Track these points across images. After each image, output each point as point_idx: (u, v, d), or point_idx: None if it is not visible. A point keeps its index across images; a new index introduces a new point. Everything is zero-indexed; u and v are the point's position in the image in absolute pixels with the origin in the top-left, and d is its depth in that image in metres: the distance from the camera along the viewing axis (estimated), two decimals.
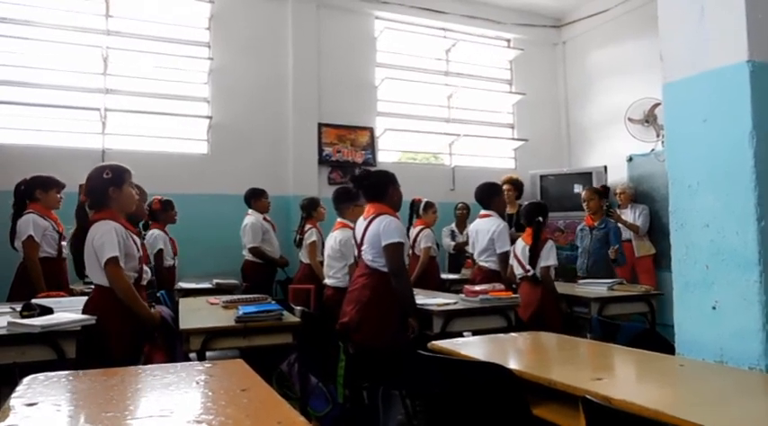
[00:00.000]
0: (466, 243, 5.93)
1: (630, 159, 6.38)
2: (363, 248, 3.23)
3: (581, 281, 4.56)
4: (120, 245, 2.57)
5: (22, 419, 1.25)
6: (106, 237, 2.54)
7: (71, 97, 5.43)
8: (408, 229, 5.14)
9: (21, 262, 3.75)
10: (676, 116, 2.32)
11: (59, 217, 3.95)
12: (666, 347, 2.33)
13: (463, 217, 6.18)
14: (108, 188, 2.66)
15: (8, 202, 3.86)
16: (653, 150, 6.12)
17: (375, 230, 3.14)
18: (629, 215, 5.88)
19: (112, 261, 2.52)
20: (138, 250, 2.73)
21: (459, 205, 6.22)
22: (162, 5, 5.86)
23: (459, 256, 6.02)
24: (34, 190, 3.84)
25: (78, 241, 2.63)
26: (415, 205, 5.33)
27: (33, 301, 2.81)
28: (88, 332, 2.49)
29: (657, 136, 6.06)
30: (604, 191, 5.02)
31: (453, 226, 6.20)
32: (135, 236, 2.77)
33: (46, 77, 5.39)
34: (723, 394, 1.61)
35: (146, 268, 2.81)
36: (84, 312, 2.60)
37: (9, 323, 2.39)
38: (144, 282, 2.79)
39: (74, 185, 4.95)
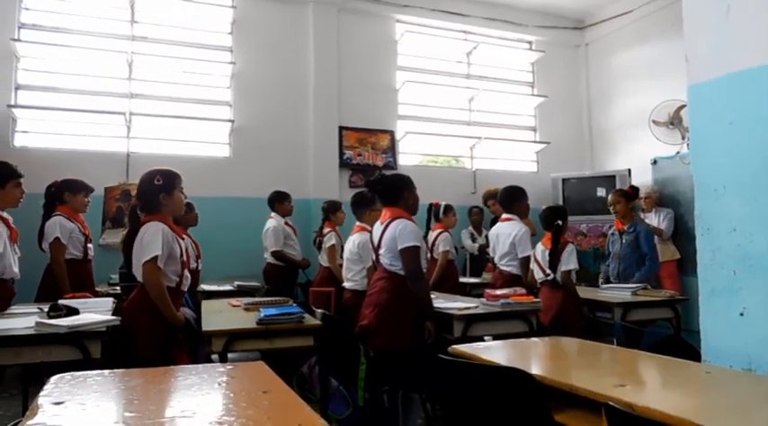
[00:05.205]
0: (487, 245, 5.93)
1: (655, 162, 6.27)
2: (381, 252, 3.23)
3: (604, 286, 4.50)
4: (165, 247, 2.63)
5: (50, 417, 1.29)
6: (153, 237, 2.62)
7: (97, 102, 5.55)
8: (427, 233, 5.12)
9: (48, 264, 3.83)
10: (702, 118, 2.28)
11: (85, 220, 4.04)
12: (692, 353, 2.28)
13: (479, 220, 6.23)
14: (159, 194, 2.74)
15: (38, 204, 3.95)
16: (678, 153, 6.01)
17: (391, 234, 3.14)
18: (653, 218, 5.79)
19: (152, 260, 2.59)
20: (183, 254, 2.77)
21: (474, 210, 6.26)
22: (185, 11, 5.96)
23: (481, 258, 6.00)
24: (63, 193, 3.93)
25: (130, 242, 2.69)
26: (433, 209, 5.31)
27: (60, 302, 2.86)
28: (117, 327, 2.56)
29: (683, 138, 5.95)
30: (633, 193, 4.84)
31: (471, 228, 6.21)
32: (181, 240, 2.81)
33: (73, 82, 5.52)
34: (750, 403, 1.58)
35: (186, 273, 2.83)
36: (124, 308, 2.70)
37: (37, 324, 2.45)
38: (184, 287, 2.83)
39: (99, 188, 5.09)
